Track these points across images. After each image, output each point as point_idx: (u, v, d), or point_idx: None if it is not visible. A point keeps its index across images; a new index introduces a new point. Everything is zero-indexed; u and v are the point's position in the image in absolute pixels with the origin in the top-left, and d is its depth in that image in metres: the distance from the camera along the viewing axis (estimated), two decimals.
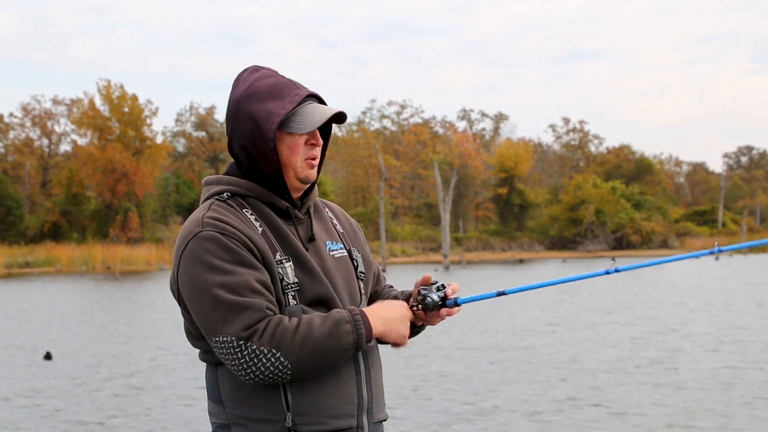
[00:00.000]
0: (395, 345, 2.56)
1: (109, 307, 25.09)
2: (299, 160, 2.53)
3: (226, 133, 2.61)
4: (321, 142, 2.58)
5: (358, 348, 2.43)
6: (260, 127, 2.48)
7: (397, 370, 12.54)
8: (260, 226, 2.50)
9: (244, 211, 2.51)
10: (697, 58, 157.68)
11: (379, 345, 2.67)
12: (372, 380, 2.57)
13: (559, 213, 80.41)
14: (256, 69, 2.59)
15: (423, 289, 2.60)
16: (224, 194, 2.55)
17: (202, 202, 2.58)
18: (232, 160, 2.62)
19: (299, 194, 2.60)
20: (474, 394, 10.86)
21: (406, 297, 2.78)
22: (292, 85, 2.54)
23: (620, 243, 78.43)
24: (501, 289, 2.60)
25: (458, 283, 2.63)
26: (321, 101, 2.59)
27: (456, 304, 2.59)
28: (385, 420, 2.65)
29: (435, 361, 13.61)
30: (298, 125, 2.50)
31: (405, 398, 10.67)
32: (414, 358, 13.86)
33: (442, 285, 2.60)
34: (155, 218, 70.75)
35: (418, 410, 9.95)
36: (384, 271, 47.46)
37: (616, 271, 2.51)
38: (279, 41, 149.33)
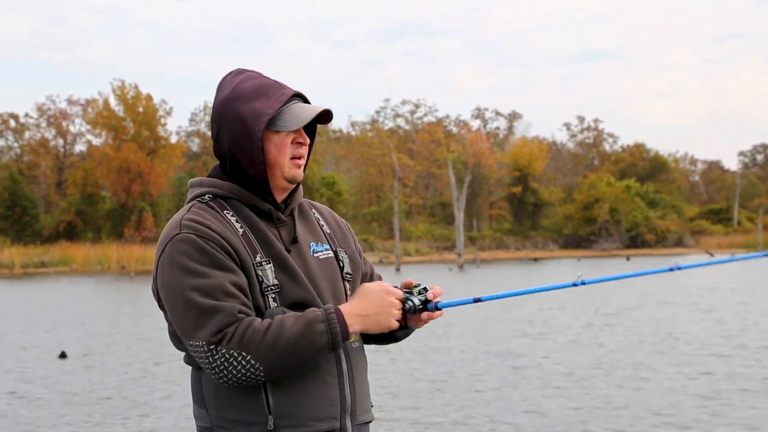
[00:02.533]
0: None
1: (124, 307, 25.20)
2: (286, 159, 2.52)
3: (211, 137, 2.62)
4: (308, 140, 2.58)
5: (334, 347, 2.40)
6: (248, 127, 2.48)
7: (386, 368, 12.55)
8: (241, 227, 2.49)
9: (225, 212, 2.51)
10: (713, 58, 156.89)
11: (365, 345, 2.68)
12: (356, 381, 2.56)
13: (573, 212, 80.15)
14: (239, 72, 2.60)
15: (405, 292, 2.57)
16: (206, 196, 2.55)
17: (186, 204, 2.58)
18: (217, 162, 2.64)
19: (284, 195, 2.60)
20: (467, 398, 10.87)
21: None
22: (278, 85, 2.55)
23: (635, 242, 78.16)
24: (477, 297, 2.62)
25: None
26: (306, 101, 2.59)
27: (437, 308, 2.56)
28: (370, 422, 2.64)
29: (428, 362, 13.62)
30: (285, 123, 2.50)
31: (394, 398, 10.68)
32: (401, 356, 13.87)
33: (424, 288, 2.58)
34: (169, 218, 70.52)
35: (408, 411, 9.97)
36: (398, 270, 47.70)
37: (583, 283, 2.54)
38: (294, 42, 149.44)
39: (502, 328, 17.91)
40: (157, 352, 15.17)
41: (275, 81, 2.57)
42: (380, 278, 2.89)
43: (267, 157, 2.52)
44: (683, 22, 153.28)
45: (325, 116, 2.58)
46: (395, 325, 2.48)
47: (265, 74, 2.60)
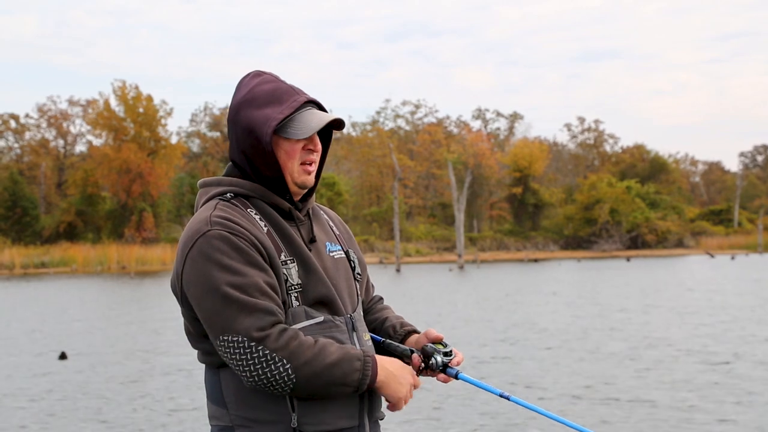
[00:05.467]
0: (389, 406, 2.57)
1: (124, 308, 25.17)
2: (296, 165, 2.54)
3: (227, 138, 2.65)
4: (320, 147, 2.59)
5: (359, 389, 2.44)
6: (257, 132, 2.49)
7: None
8: (265, 226, 2.51)
9: (248, 211, 2.52)
10: (715, 58, 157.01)
11: (372, 340, 2.71)
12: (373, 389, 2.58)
13: (573, 212, 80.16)
14: (257, 74, 2.60)
15: (431, 347, 2.63)
16: (228, 194, 2.55)
17: (203, 204, 2.58)
18: (230, 162, 2.64)
19: (299, 197, 2.62)
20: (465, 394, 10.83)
21: (407, 332, 2.80)
22: (292, 91, 2.55)
23: (635, 242, 78.17)
24: (506, 394, 2.64)
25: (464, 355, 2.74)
26: (321, 107, 2.60)
27: (455, 377, 2.62)
28: (382, 419, 2.66)
29: None
30: (295, 131, 2.51)
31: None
32: None
33: (450, 351, 2.64)
34: (170, 218, 71.02)
35: (411, 408, 9.94)
36: (398, 270, 47.67)
37: None
38: (298, 43, 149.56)
39: (500, 324, 17.90)
40: (158, 352, 15.14)
41: (291, 86, 2.58)
42: (373, 287, 2.95)
43: (278, 162, 2.54)
44: (687, 22, 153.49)
45: (336, 124, 2.59)
46: (402, 400, 2.53)
47: (281, 78, 2.61)
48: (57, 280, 42.49)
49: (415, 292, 30.06)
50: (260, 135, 2.49)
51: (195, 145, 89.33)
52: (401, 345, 2.69)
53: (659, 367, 12.62)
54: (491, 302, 24.62)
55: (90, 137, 78.44)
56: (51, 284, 39.30)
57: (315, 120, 2.52)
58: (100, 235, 66.29)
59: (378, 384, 2.48)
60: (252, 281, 2.36)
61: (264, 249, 2.44)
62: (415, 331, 2.81)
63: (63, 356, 14.66)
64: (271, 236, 2.49)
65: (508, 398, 2.63)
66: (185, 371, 12.94)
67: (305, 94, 2.57)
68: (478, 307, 23.24)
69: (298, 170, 2.55)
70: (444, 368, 2.61)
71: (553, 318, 19.87)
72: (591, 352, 14.15)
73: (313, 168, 2.59)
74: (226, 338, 2.35)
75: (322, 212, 2.79)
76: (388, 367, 2.49)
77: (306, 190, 2.61)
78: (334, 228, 2.77)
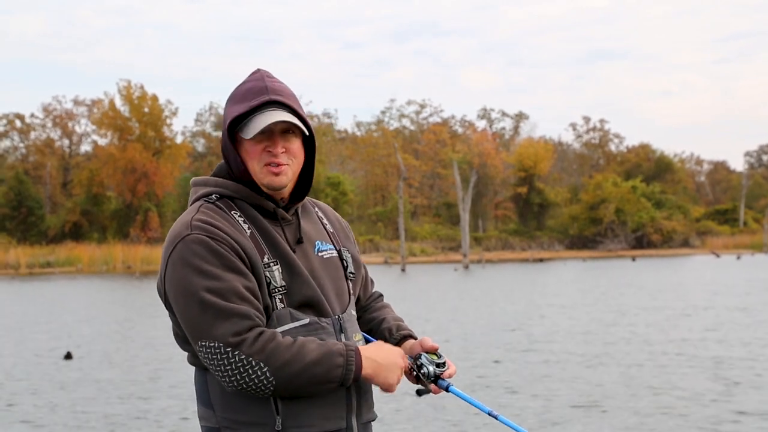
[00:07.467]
0: (381, 389, 2.55)
1: (130, 307, 25.21)
2: (257, 165, 2.50)
3: None
4: (280, 149, 2.50)
5: (344, 383, 2.42)
6: (224, 130, 2.52)
7: None
8: (248, 228, 2.49)
9: (232, 213, 2.50)
10: (721, 58, 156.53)
11: (366, 342, 2.69)
12: (360, 381, 2.55)
13: (579, 212, 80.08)
14: (254, 72, 2.59)
15: (425, 356, 2.62)
16: (213, 196, 2.54)
17: (191, 204, 2.57)
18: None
19: (283, 196, 2.57)
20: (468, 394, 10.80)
21: (403, 336, 2.77)
22: (265, 90, 2.50)
23: (641, 242, 78.07)
24: (495, 413, 2.62)
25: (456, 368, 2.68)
26: (293, 112, 2.51)
27: (446, 389, 2.60)
28: (374, 420, 2.64)
29: None
30: (247, 130, 2.48)
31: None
32: None
33: (443, 363, 2.62)
34: (175, 218, 70.69)
35: (410, 409, 9.92)
36: (403, 270, 47.60)
37: None
38: (303, 43, 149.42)
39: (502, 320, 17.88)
40: (163, 352, 15.14)
41: (266, 86, 2.52)
42: (373, 283, 2.92)
43: (244, 162, 2.52)
44: (692, 23, 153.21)
45: (300, 127, 2.52)
46: (394, 385, 2.51)
47: (272, 77, 2.56)
48: (62, 280, 42.55)
49: (420, 291, 30.05)
50: (225, 133, 2.51)
51: (200, 145, 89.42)
52: None
53: (666, 373, 12.58)
54: (495, 303, 24.59)
55: (95, 137, 78.68)
56: (56, 284, 39.36)
57: (266, 120, 2.46)
58: (105, 234, 66.40)
59: (365, 376, 2.45)
60: (230, 286, 2.35)
61: (245, 253, 2.42)
62: (412, 336, 2.77)
63: (68, 356, 14.66)
64: (254, 239, 2.47)
65: (496, 417, 2.61)
66: (188, 372, 12.93)
67: (278, 95, 2.50)
68: (483, 308, 23.20)
69: (262, 171, 2.50)
70: (435, 379, 2.59)
71: (558, 320, 19.83)
72: (596, 357, 14.10)
73: (281, 170, 2.50)
74: (203, 344, 2.35)
75: (316, 209, 2.75)
76: (375, 358, 2.47)
77: (277, 191, 2.54)
78: (328, 226, 2.73)
